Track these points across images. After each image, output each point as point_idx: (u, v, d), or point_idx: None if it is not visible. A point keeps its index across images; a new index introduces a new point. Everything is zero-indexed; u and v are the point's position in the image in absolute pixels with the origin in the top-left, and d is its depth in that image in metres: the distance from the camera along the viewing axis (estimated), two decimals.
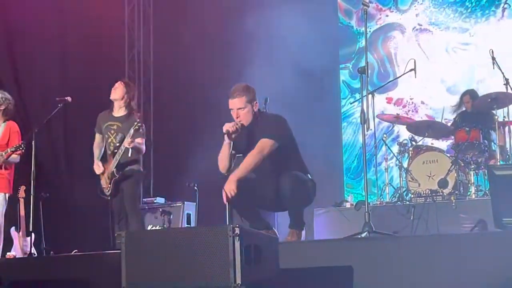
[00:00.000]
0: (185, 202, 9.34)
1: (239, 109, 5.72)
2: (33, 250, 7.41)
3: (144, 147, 7.30)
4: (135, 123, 6.96)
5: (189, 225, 9.13)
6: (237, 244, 3.98)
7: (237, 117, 5.74)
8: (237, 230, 3.99)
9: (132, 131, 6.96)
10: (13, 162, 7.45)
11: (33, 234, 7.41)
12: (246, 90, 5.74)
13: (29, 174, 7.19)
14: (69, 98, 7.51)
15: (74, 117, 10.04)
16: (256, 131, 5.77)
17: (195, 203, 9.28)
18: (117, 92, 7.26)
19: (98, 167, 7.31)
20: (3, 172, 7.42)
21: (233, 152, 5.81)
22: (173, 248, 4.13)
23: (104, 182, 7.29)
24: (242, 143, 5.83)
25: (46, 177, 9.71)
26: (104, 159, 7.40)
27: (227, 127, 5.73)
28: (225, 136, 5.74)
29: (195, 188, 9.13)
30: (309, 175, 5.84)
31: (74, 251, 7.42)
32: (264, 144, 5.63)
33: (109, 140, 7.27)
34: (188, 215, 9.31)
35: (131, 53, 11.63)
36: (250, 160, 5.61)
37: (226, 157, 5.81)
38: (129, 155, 7.12)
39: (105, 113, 7.37)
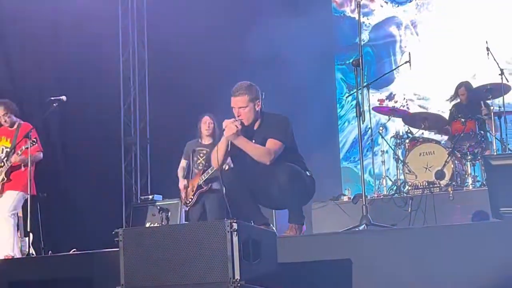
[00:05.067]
0: None
1: (241, 108, 5.65)
2: (32, 250, 7.38)
3: None
4: None
5: (187, 222, 9.11)
6: (235, 239, 3.99)
7: (238, 116, 5.67)
8: (234, 225, 4.00)
9: None
10: (34, 160, 7.46)
11: (31, 234, 7.38)
12: (249, 88, 5.68)
13: None
14: (64, 98, 7.46)
15: (71, 116, 10.02)
16: (261, 132, 5.71)
17: None
18: (213, 128, 8.27)
19: (183, 184, 8.24)
20: (20, 172, 7.46)
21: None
22: (171, 244, 4.14)
23: (187, 193, 8.18)
24: None
25: (44, 177, 9.71)
26: (187, 175, 8.30)
27: (227, 123, 5.63)
28: (224, 132, 5.66)
29: None
30: (307, 172, 5.79)
31: (73, 250, 7.42)
32: (274, 145, 5.59)
33: (198, 161, 8.24)
34: (186, 212, 9.29)
35: (126, 51, 11.62)
36: (255, 147, 5.59)
37: (222, 154, 5.71)
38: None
39: (193, 142, 8.40)
